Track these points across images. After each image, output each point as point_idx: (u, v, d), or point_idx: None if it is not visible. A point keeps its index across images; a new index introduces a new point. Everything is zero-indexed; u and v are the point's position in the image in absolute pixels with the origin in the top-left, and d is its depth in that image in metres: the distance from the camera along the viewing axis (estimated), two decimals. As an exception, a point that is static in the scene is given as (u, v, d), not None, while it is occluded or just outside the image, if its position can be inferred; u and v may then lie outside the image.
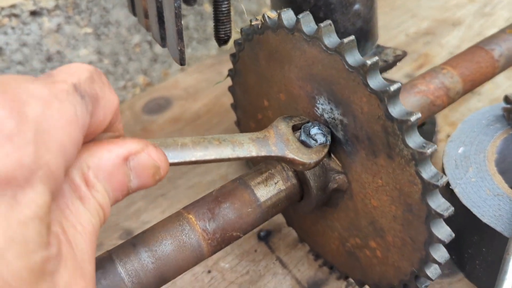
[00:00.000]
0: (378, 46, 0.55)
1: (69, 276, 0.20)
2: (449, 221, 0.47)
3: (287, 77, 0.39)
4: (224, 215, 0.36)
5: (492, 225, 0.41)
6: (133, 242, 0.34)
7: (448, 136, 0.62)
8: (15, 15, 0.65)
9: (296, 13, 0.47)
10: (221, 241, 0.36)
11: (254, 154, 0.34)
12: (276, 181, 0.38)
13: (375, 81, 0.31)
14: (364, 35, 0.51)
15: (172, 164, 0.30)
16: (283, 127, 0.36)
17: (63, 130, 0.21)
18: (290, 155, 0.35)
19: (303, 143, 0.36)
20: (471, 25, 0.83)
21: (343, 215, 0.41)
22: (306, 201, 0.40)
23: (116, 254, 0.33)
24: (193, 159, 0.31)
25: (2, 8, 0.63)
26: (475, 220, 0.42)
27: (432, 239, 0.33)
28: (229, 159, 0.33)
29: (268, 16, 0.38)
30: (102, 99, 0.24)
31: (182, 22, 0.35)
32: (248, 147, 0.34)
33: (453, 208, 0.31)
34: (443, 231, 0.32)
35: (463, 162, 0.47)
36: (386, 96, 0.30)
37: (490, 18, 0.84)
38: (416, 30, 0.84)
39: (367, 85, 0.31)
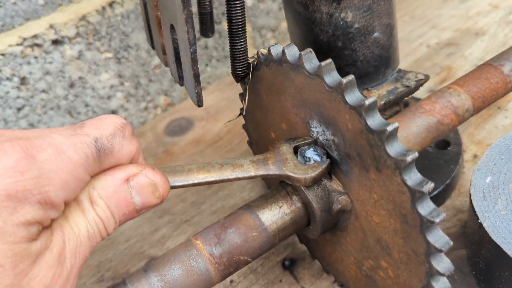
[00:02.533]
0: (400, 70, 0.54)
1: (45, 269, 0.28)
2: (479, 254, 0.45)
3: (284, 107, 0.41)
4: (230, 239, 0.38)
5: None
6: (145, 268, 0.36)
7: (475, 156, 0.61)
8: (38, 45, 0.69)
9: (314, 44, 0.50)
10: (229, 265, 0.37)
11: (252, 173, 0.37)
12: (280, 205, 0.40)
13: (353, 97, 0.33)
14: (384, 62, 0.51)
15: (179, 187, 0.37)
16: (284, 148, 0.39)
17: (68, 171, 0.29)
18: (286, 172, 0.38)
19: (300, 163, 0.38)
20: (495, 34, 0.81)
21: (354, 237, 0.41)
22: (313, 225, 0.41)
23: (129, 279, 0.35)
24: (196, 181, 0.37)
25: (25, 39, 0.67)
26: (505, 257, 0.40)
27: (430, 249, 0.32)
28: (229, 180, 0.37)
29: (261, 53, 0.41)
30: (118, 152, 0.32)
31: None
32: (248, 167, 0.38)
33: (444, 215, 0.31)
34: (440, 239, 0.32)
35: (492, 193, 0.45)
36: (363, 110, 0.32)
37: (515, 27, 0.82)
38: (437, 41, 0.83)
39: (346, 102, 0.33)
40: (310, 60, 0.36)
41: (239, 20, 0.41)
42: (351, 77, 0.33)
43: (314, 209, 0.39)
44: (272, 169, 0.38)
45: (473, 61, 0.78)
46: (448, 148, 0.60)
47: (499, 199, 0.44)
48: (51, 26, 0.72)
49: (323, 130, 0.38)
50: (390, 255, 0.37)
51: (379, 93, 0.51)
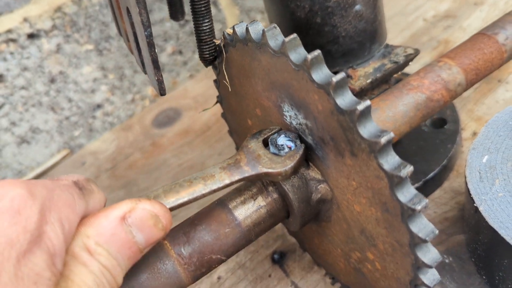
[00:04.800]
0: (387, 46, 0.50)
1: None
2: (477, 239, 0.42)
3: (256, 91, 0.38)
4: (200, 237, 0.35)
5: None
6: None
7: (475, 133, 0.57)
8: (13, 40, 0.66)
9: (292, 22, 0.46)
10: (200, 265, 0.35)
11: (227, 181, 0.34)
12: (255, 198, 0.37)
13: (320, 75, 0.29)
14: (369, 37, 0.47)
15: None
16: (252, 145, 0.36)
17: (62, 211, 0.26)
18: (263, 169, 0.34)
19: (275, 155, 0.35)
20: (495, 3, 0.77)
21: (338, 228, 0.38)
22: (292, 217, 0.38)
23: None
24: (168, 207, 0.32)
25: (-2, 34, 0.63)
26: (504, 243, 0.37)
27: (414, 239, 0.29)
28: (203, 196, 0.34)
29: (227, 33, 0.38)
30: (97, 193, 0.30)
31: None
32: (220, 176, 0.34)
33: (427, 201, 0.28)
34: (424, 228, 0.29)
35: (489, 174, 0.41)
36: (331, 88, 0.28)
37: (516, -7, 0.77)
38: (435, 14, 0.79)
39: (313, 81, 0.29)
40: (275, 37, 0.32)
41: (202, -2, 0.38)
42: (317, 52, 0.29)
43: (291, 200, 0.36)
44: (247, 171, 0.34)
45: (471, 33, 0.73)
46: (445, 127, 0.56)
47: (496, 179, 0.40)
48: (25, 20, 0.69)
49: (295, 114, 0.34)
50: (375, 246, 0.34)
51: (365, 71, 0.48)
